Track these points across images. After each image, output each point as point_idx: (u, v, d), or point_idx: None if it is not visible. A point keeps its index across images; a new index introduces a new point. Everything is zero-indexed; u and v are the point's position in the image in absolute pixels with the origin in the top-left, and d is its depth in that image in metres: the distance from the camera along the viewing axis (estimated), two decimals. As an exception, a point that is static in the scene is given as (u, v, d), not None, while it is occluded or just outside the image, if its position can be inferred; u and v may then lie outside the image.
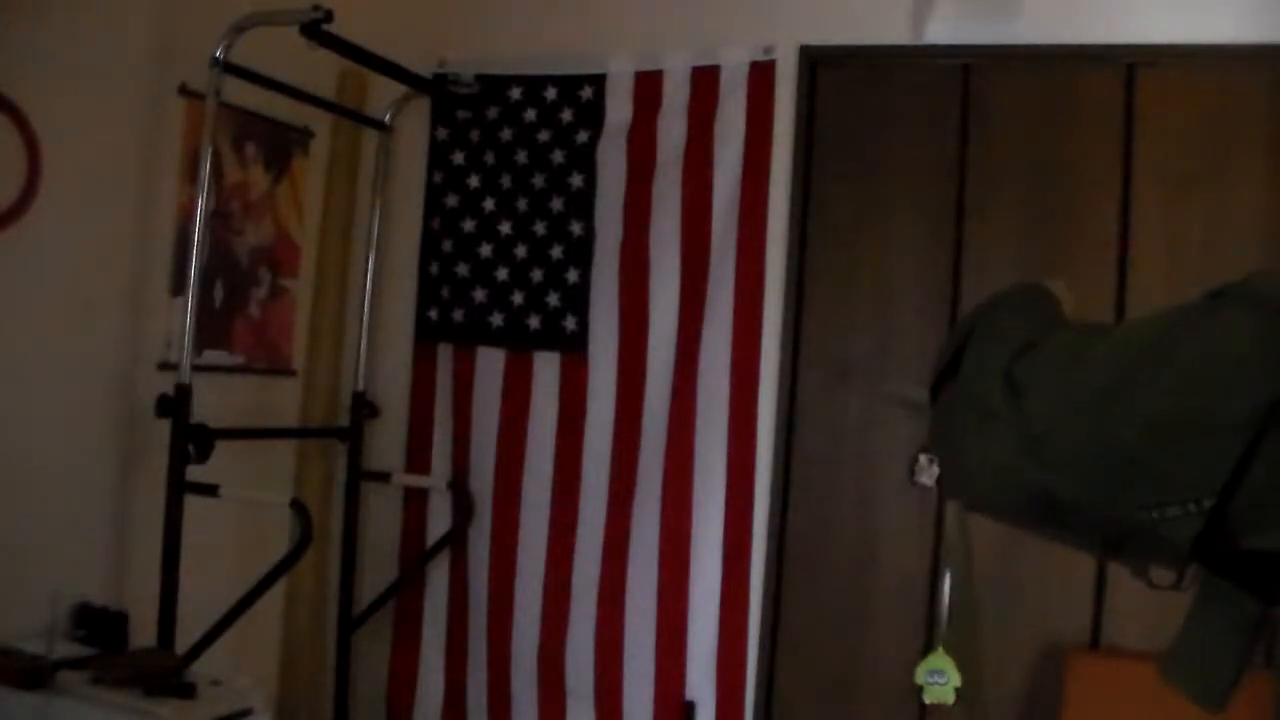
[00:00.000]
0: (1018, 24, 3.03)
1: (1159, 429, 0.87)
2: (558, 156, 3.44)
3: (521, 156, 3.49)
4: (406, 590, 3.57)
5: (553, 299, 3.43)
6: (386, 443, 3.63)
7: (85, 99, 2.81)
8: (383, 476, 3.57)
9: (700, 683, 3.22)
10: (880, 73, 3.24)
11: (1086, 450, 0.91)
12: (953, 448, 1.06)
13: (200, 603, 2.82)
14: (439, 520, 3.55)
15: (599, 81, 3.41)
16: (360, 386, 3.55)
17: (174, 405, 2.83)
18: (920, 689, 3.07)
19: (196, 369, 2.90)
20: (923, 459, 1.36)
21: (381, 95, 3.61)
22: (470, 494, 3.49)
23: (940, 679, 3.04)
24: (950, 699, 3.05)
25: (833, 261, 3.24)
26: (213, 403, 2.98)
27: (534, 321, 3.45)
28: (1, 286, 2.66)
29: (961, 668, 2.35)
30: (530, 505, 3.44)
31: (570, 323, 3.41)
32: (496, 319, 3.49)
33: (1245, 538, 0.85)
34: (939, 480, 1.46)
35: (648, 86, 3.36)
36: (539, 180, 3.46)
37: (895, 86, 3.22)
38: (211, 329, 3.20)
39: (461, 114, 3.57)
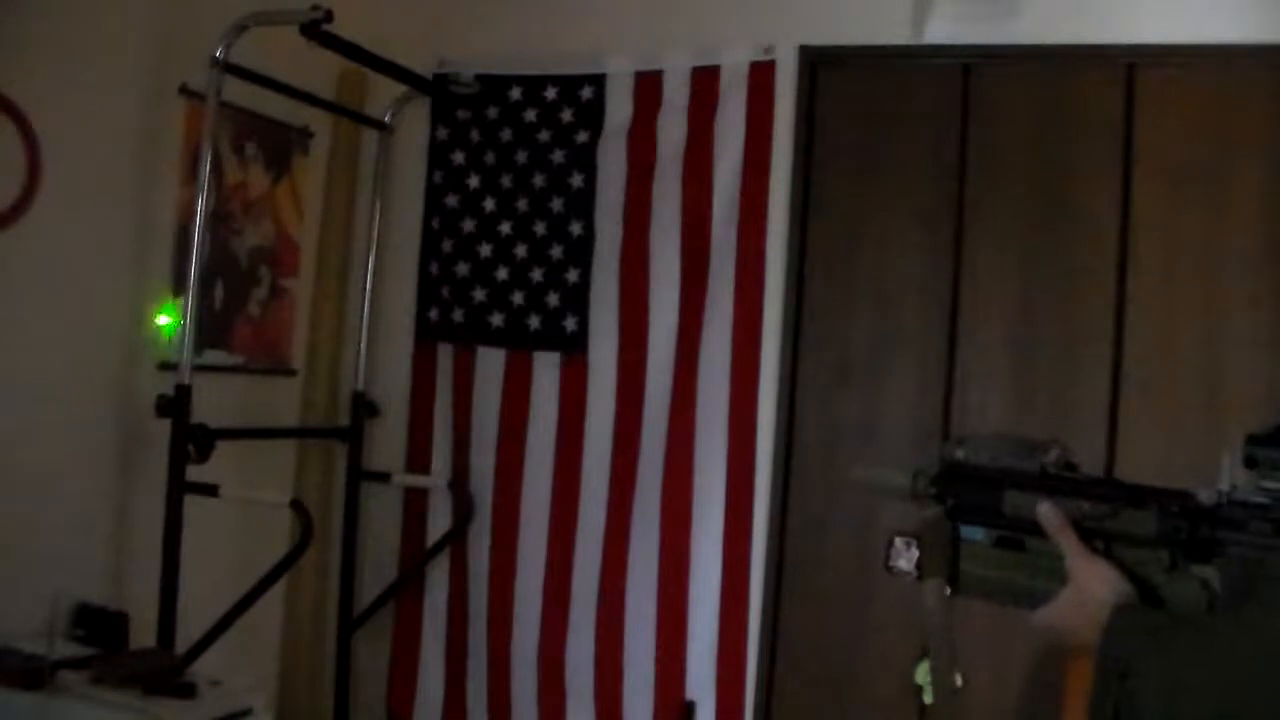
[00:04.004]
0: (1018, 24, 3.03)
1: None
2: (558, 156, 3.44)
3: (521, 156, 3.49)
4: (406, 590, 3.57)
5: (553, 299, 3.43)
6: (386, 443, 3.63)
7: (85, 99, 2.81)
8: (383, 476, 3.57)
9: (700, 683, 3.22)
10: (880, 73, 3.24)
11: None
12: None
13: (200, 603, 2.83)
14: (439, 520, 3.55)
15: (599, 81, 3.41)
16: (360, 386, 3.55)
17: (174, 405, 2.83)
18: (920, 689, 3.08)
19: (196, 369, 2.90)
20: (899, 542, 1.27)
21: (381, 95, 3.61)
22: (470, 494, 3.49)
23: (940, 679, 3.04)
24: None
25: (833, 261, 3.24)
26: (213, 403, 2.98)
27: (534, 321, 3.45)
28: (1, 286, 2.66)
29: None
30: (530, 505, 3.44)
31: (570, 323, 3.41)
32: (496, 319, 3.49)
33: None
34: (918, 564, 1.36)
35: (648, 86, 3.36)
36: (539, 180, 3.46)
37: (895, 86, 3.21)
38: (211, 329, 3.20)
39: (461, 114, 3.57)
